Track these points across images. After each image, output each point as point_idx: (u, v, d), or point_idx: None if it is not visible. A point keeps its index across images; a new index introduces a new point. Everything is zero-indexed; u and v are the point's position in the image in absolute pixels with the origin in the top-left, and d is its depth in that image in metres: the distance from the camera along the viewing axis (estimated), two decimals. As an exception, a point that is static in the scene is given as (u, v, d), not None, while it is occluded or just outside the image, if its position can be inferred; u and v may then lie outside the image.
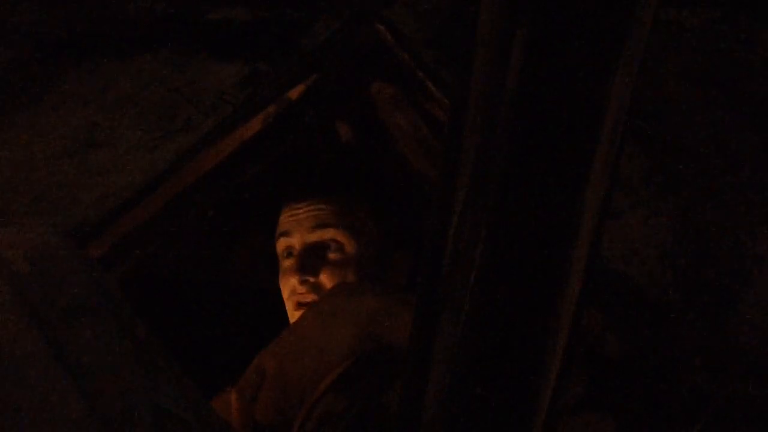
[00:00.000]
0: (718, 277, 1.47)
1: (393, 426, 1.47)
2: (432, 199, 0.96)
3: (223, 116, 1.56)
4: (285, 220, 1.74)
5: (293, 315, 1.70)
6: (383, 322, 1.53)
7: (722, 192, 1.50)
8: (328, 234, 1.69)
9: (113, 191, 1.51)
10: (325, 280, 1.68)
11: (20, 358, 0.96)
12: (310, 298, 1.68)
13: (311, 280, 1.68)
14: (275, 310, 1.79)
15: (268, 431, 1.50)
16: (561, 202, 0.89)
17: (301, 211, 1.72)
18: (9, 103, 1.55)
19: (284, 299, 1.73)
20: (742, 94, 1.54)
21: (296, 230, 1.71)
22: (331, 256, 1.69)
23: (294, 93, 1.61)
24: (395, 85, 1.64)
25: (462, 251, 0.91)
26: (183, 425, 1.03)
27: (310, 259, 1.69)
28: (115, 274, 1.60)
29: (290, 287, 1.70)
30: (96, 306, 1.03)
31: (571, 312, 0.94)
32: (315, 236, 1.70)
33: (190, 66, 1.57)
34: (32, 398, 0.96)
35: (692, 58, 1.56)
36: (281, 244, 1.74)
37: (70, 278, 1.03)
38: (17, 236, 1.04)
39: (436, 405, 0.97)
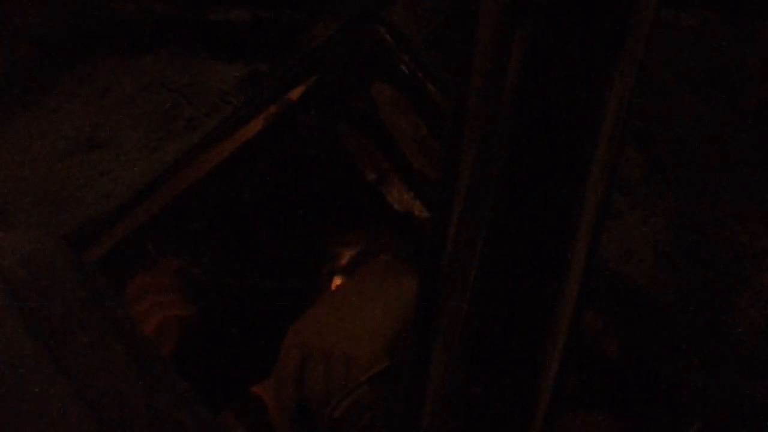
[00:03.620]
0: (717, 277, 1.47)
1: (393, 426, 1.48)
2: (432, 199, 0.96)
3: (224, 117, 1.56)
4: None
5: None
6: None
7: (721, 192, 1.50)
8: None
9: (114, 192, 1.51)
10: None
11: (17, 364, 0.97)
12: None
13: None
14: (275, 311, 1.79)
15: (314, 414, 1.48)
16: (560, 202, 0.89)
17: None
18: (9, 103, 1.55)
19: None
20: (741, 94, 1.54)
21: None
22: None
23: (294, 94, 1.61)
24: (395, 86, 1.64)
25: (462, 251, 0.91)
26: (179, 428, 1.03)
27: None
28: (115, 274, 1.60)
29: None
30: (92, 311, 1.03)
31: (571, 312, 0.94)
32: None
33: (191, 67, 1.58)
34: (30, 403, 0.96)
35: (692, 58, 1.56)
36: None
37: (66, 283, 1.03)
38: (12, 242, 1.04)
39: (436, 405, 0.97)
